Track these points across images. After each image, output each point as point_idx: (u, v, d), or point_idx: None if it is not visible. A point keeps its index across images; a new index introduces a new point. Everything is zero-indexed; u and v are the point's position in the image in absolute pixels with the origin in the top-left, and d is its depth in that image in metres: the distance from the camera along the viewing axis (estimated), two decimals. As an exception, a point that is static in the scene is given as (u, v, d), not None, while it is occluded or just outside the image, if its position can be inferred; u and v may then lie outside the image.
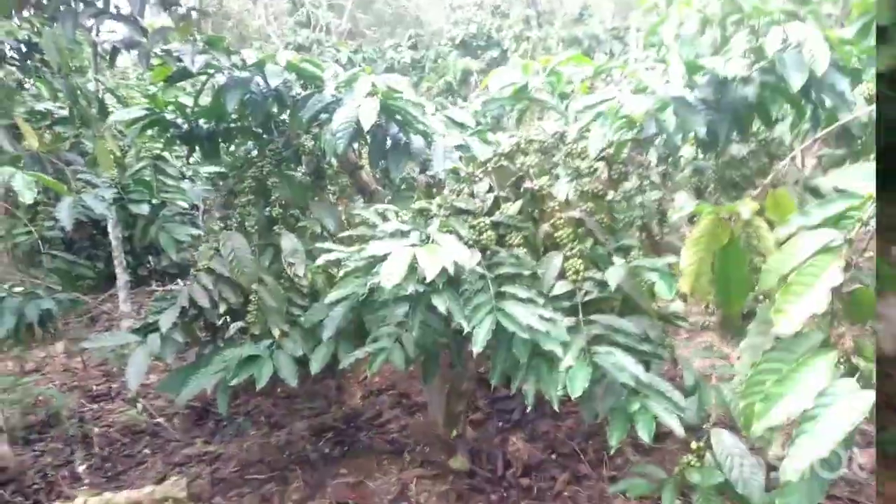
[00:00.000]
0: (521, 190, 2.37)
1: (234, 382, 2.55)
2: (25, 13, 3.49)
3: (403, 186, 3.24)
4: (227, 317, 2.95)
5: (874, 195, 1.25)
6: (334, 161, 3.03)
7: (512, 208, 2.29)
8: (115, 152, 3.51)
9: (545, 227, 2.28)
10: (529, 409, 2.10)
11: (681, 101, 2.02)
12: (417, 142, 2.72)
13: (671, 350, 2.13)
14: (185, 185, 3.92)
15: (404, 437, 3.67)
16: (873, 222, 1.27)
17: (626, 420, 1.85)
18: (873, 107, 2.06)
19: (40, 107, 3.74)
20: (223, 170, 3.58)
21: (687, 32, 2.55)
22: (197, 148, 3.14)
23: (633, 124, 2.10)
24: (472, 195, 2.37)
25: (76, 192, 3.20)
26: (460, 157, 2.73)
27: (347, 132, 2.38)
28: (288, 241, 2.81)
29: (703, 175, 2.57)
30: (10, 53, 3.51)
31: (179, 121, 3.03)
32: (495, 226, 2.22)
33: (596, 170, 2.35)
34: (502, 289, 2.01)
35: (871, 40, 2.00)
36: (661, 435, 2.81)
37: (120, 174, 3.64)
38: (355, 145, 2.91)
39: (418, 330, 2.08)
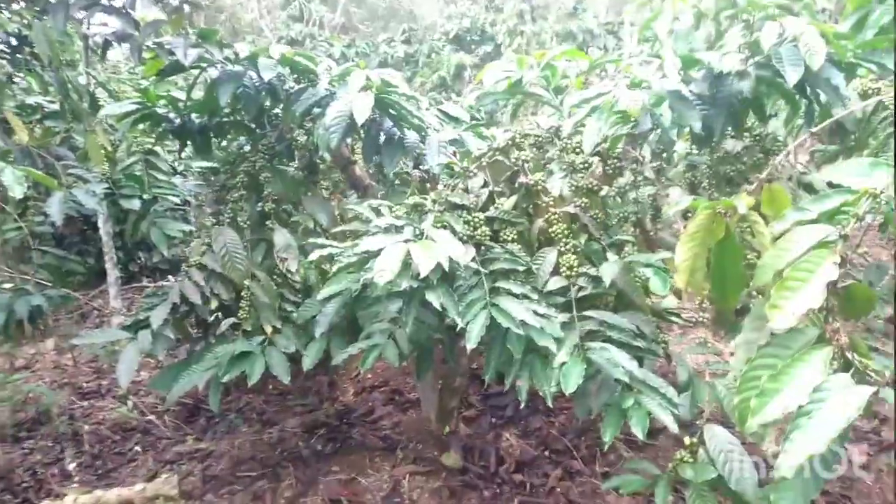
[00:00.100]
0: (516, 185, 2.36)
1: (225, 379, 2.53)
2: (16, 5, 3.46)
3: (397, 181, 3.22)
4: (219, 313, 2.93)
5: (875, 191, 1.24)
6: (327, 156, 3.01)
7: (507, 203, 2.28)
8: (106, 147, 3.48)
9: (540, 222, 2.28)
10: (523, 405, 2.10)
11: (676, 96, 2.02)
12: (411, 136, 2.70)
13: (665, 346, 2.13)
14: (177, 180, 3.91)
15: (397, 434, 3.66)
16: (868, 218, 1.26)
17: (620, 416, 1.85)
18: (868, 102, 2.07)
19: (31, 100, 3.72)
20: (215, 165, 3.55)
21: (681, 27, 2.55)
22: (189, 142, 3.11)
23: (629, 119, 2.09)
24: (466, 190, 2.35)
25: (66, 187, 3.18)
26: (454, 152, 2.72)
27: (341, 127, 2.36)
28: (280, 237, 2.80)
29: (697, 170, 2.57)
30: (0, 46, 3.48)
31: (171, 115, 3.00)
32: (490, 221, 2.21)
33: (590, 165, 2.34)
34: (496, 284, 2.01)
35: (867, 34, 2.00)
36: (655, 431, 2.83)
37: (111, 169, 3.62)
38: (349, 140, 2.89)
39: (412, 326, 2.06)
